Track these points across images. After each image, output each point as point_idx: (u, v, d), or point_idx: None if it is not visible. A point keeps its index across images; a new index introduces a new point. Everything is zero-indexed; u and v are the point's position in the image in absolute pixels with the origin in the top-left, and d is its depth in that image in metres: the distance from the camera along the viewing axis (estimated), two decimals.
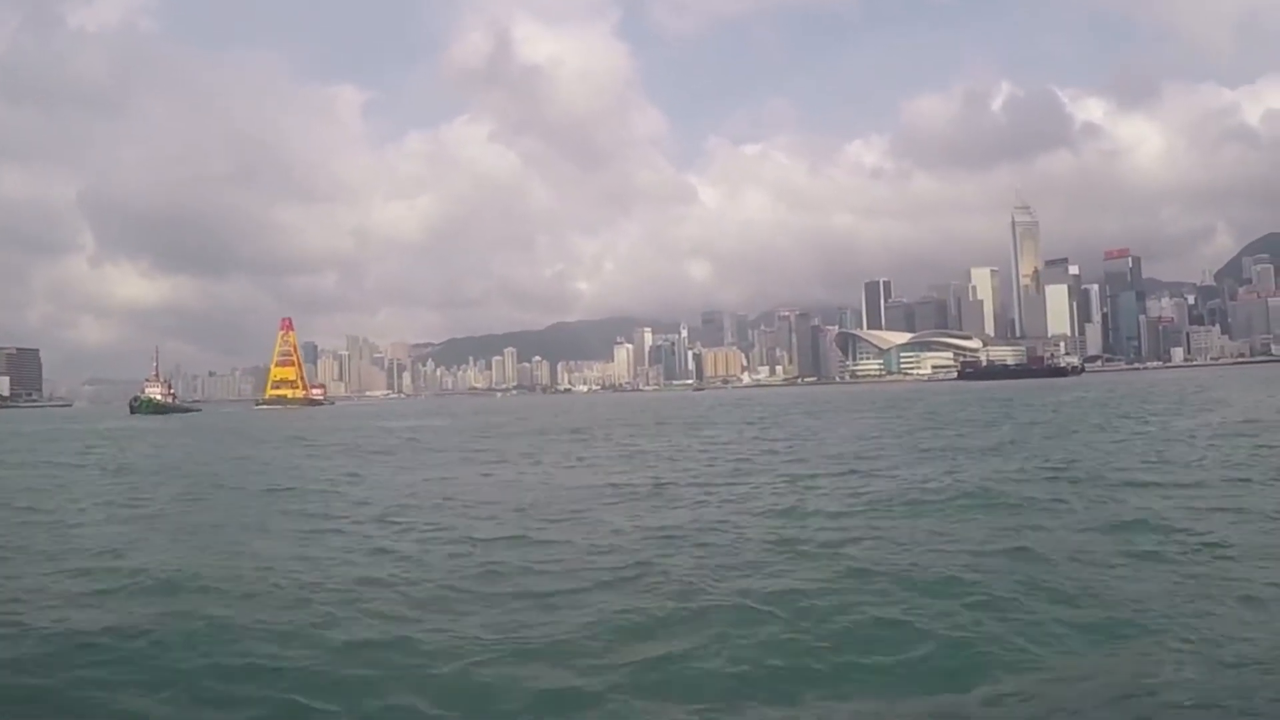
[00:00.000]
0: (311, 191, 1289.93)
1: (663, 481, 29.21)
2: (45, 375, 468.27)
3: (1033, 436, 44.54)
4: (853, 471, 30.22)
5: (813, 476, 28.93)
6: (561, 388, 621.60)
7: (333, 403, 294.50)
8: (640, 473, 32.89)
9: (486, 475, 34.43)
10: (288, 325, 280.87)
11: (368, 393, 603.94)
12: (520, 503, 24.96)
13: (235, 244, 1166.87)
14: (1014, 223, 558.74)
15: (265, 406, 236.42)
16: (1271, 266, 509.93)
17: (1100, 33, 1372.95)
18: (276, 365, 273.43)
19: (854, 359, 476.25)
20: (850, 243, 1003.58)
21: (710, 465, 35.37)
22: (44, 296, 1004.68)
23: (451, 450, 51.19)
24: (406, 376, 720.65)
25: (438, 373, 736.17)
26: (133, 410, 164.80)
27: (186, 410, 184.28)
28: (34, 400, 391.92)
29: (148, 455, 52.79)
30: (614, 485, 28.78)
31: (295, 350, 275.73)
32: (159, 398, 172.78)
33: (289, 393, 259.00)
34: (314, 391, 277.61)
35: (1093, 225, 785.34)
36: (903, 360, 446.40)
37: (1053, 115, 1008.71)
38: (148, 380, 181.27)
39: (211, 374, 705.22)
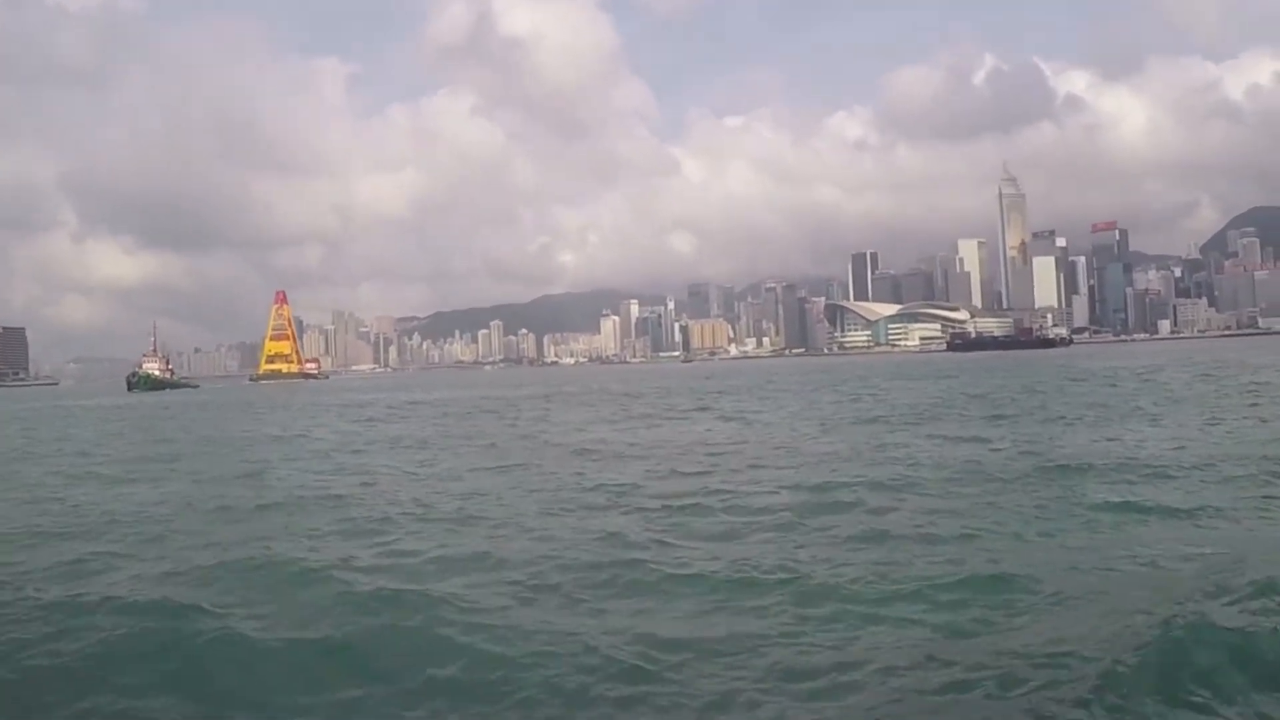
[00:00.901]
0: (295, 166, 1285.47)
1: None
2: (30, 354, 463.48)
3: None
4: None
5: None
6: (548, 360, 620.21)
7: (327, 377, 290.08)
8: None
9: None
10: (281, 299, 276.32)
11: (354, 367, 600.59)
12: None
13: (219, 219, 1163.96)
14: (1001, 195, 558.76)
15: (260, 381, 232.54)
16: (1257, 240, 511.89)
17: (1083, 5, 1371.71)
18: (271, 339, 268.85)
19: (842, 330, 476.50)
20: (835, 215, 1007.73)
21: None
22: (27, 276, 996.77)
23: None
24: (393, 350, 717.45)
25: (424, 346, 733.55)
26: (130, 387, 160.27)
27: (184, 386, 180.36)
28: (21, 379, 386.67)
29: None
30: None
31: (290, 324, 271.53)
32: (157, 373, 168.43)
33: (284, 367, 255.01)
34: (308, 365, 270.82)
35: (1078, 198, 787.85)
36: (891, 332, 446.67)
37: (1036, 88, 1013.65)
38: (145, 356, 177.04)
39: (197, 350, 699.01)
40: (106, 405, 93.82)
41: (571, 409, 58.14)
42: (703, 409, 51.01)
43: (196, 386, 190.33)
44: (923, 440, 28.32)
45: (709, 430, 36.67)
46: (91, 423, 62.17)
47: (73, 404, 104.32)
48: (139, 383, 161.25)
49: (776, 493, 19.29)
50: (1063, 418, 34.49)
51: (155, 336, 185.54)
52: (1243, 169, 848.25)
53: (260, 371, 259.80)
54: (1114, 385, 55.66)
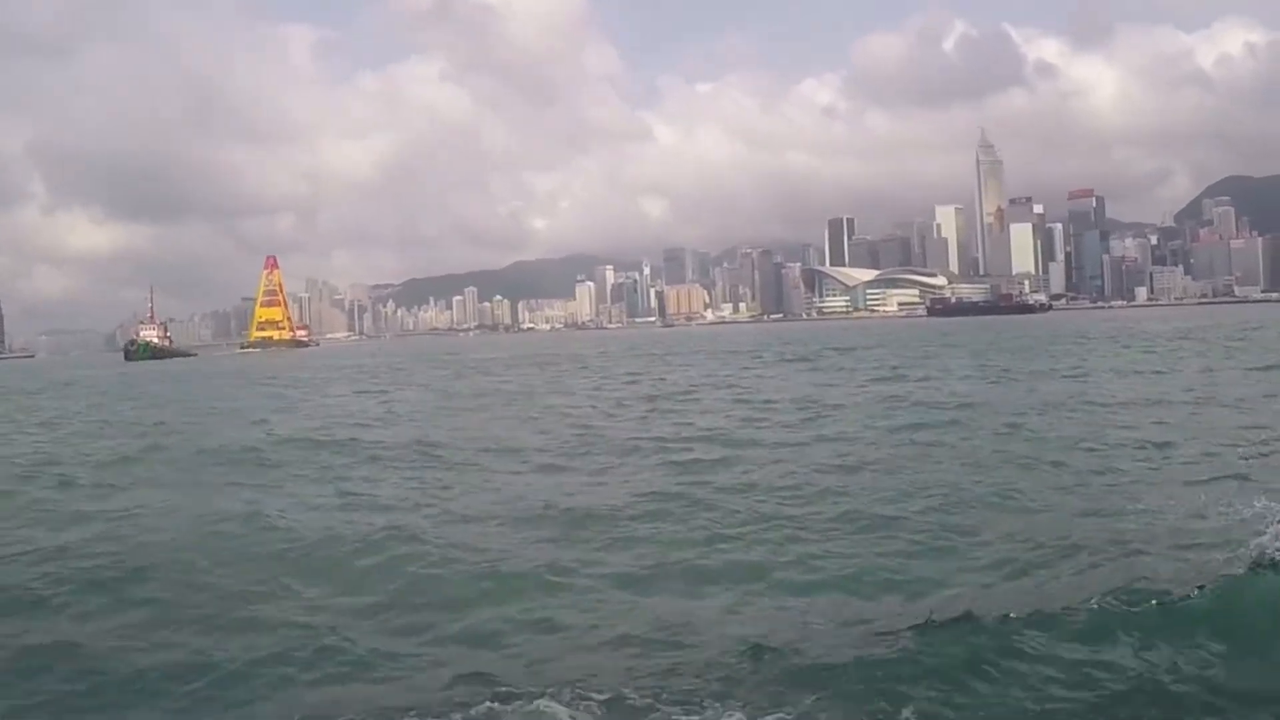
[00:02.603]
0: (265, 133, 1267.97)
1: None
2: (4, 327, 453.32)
3: None
4: None
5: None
6: (524, 327, 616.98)
7: (318, 344, 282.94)
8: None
9: None
10: (272, 264, 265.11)
11: (329, 335, 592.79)
12: None
13: (189, 188, 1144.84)
14: (978, 161, 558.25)
15: (250, 349, 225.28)
16: (1232, 209, 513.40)
17: None
18: (262, 305, 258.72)
19: (820, 296, 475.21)
20: (807, 180, 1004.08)
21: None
22: None
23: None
24: (367, 318, 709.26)
25: (398, 313, 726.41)
26: (128, 356, 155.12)
27: (182, 354, 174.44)
28: None
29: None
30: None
31: (281, 289, 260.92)
32: (156, 341, 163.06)
33: (275, 334, 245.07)
34: (299, 333, 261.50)
35: (1050, 166, 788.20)
36: (869, 297, 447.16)
37: (1007, 54, 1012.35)
38: (142, 323, 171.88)
39: (171, 320, 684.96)
40: (135, 373, 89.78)
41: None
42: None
43: (195, 355, 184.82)
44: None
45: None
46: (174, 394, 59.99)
47: (85, 374, 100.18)
48: (139, 351, 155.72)
49: None
50: None
51: (152, 301, 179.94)
52: (1214, 138, 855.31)
53: (251, 339, 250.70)
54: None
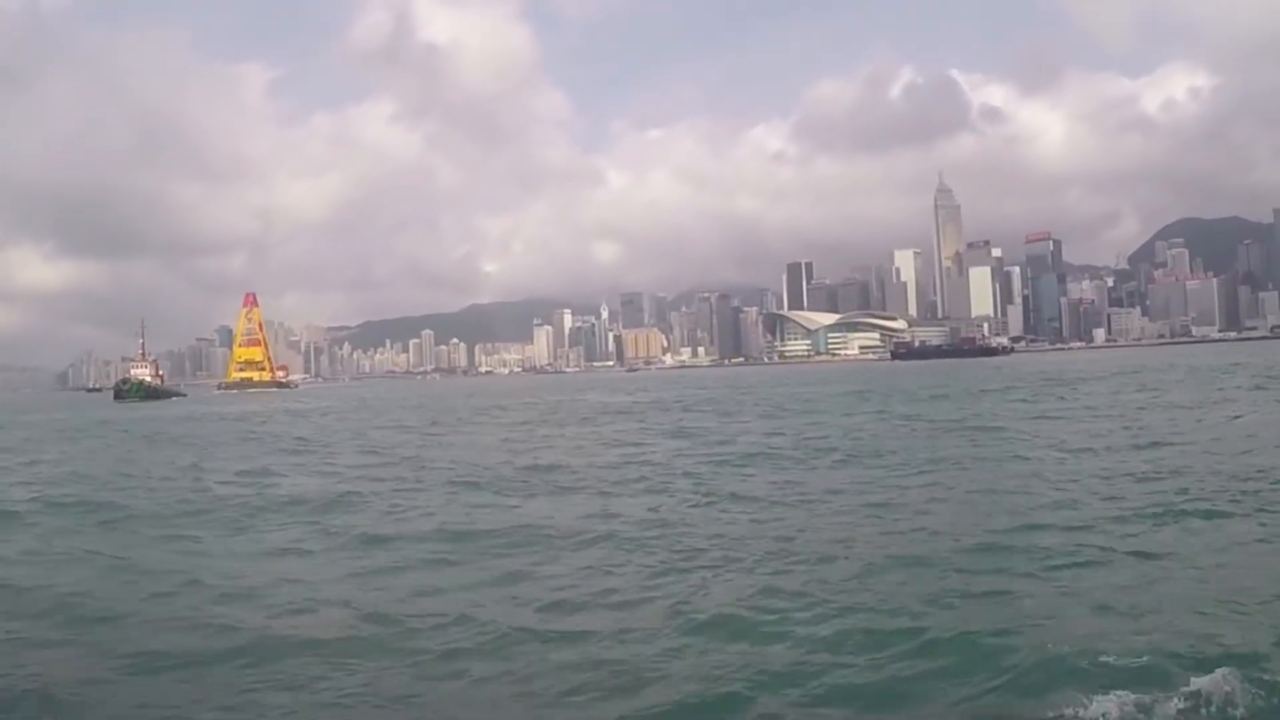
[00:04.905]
0: (218, 171, 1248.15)
1: None
2: None
3: None
4: None
5: None
6: (483, 370, 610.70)
7: (298, 386, 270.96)
8: None
9: None
10: (251, 301, 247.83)
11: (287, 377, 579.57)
12: None
13: (142, 226, 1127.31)
14: (936, 205, 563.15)
15: (229, 390, 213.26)
16: (1186, 251, 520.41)
17: (1002, 21, 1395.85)
18: (241, 345, 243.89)
19: (781, 339, 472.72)
20: (759, 225, 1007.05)
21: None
22: None
23: None
24: (324, 360, 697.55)
25: (354, 356, 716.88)
26: (119, 396, 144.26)
27: (176, 395, 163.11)
28: None
29: None
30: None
31: (261, 328, 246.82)
32: (149, 379, 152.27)
33: (255, 375, 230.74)
34: (279, 373, 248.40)
35: (1001, 209, 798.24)
36: (830, 341, 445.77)
37: (954, 100, 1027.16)
38: (133, 360, 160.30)
39: (124, 359, 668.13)
40: (144, 420, 79.19)
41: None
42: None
43: (185, 395, 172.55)
44: None
45: None
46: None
47: (103, 415, 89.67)
48: (130, 391, 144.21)
49: None
50: None
51: (144, 337, 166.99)
52: (1162, 180, 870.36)
53: (229, 379, 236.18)
54: None
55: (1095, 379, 74.44)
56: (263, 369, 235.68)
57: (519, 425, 51.92)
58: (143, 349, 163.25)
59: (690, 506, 19.65)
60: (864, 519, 17.31)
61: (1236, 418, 34.06)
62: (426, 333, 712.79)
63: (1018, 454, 26.23)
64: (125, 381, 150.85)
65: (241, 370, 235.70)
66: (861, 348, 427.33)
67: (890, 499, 19.43)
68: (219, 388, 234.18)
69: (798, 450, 29.99)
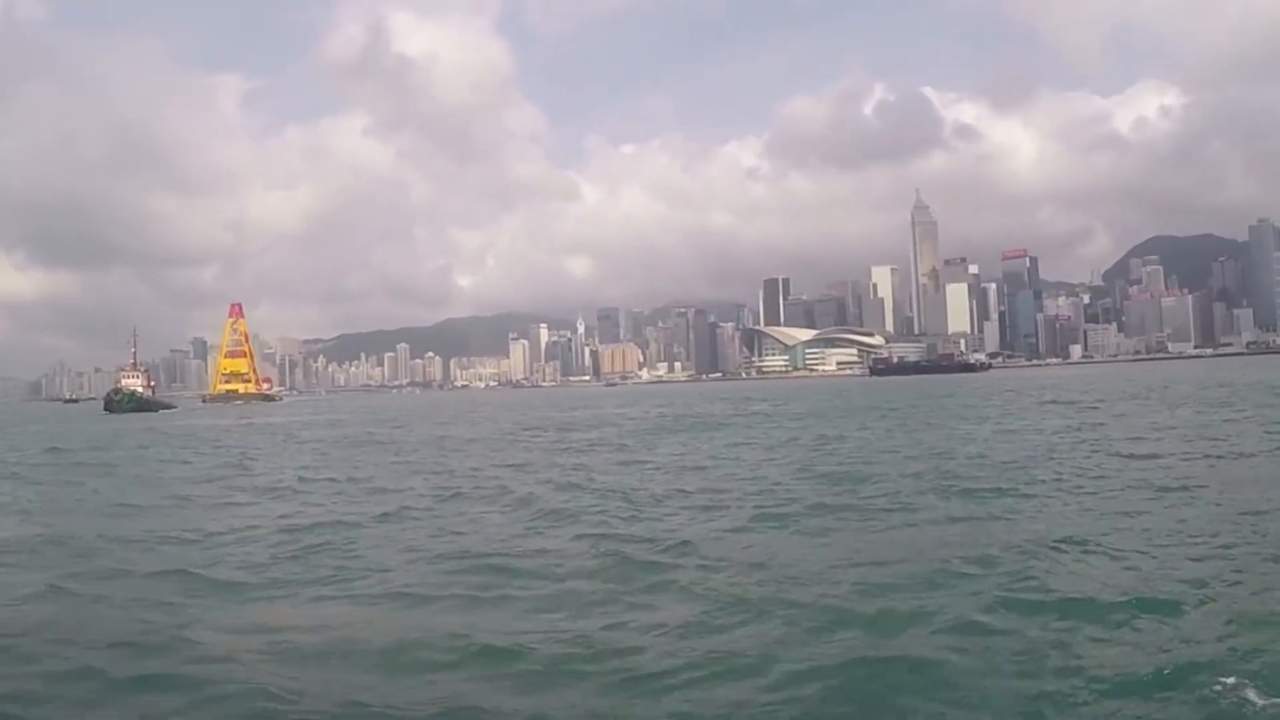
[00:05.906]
0: (192, 182, 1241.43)
1: None
2: None
3: None
4: None
5: None
6: (458, 384, 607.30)
7: (282, 398, 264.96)
8: None
9: None
10: (237, 312, 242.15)
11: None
12: None
13: (115, 236, 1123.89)
14: (913, 221, 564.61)
15: (215, 402, 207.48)
16: (1161, 268, 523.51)
17: (975, 40, 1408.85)
18: (226, 356, 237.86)
19: (760, 355, 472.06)
20: (733, 240, 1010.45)
21: None
22: None
23: None
24: (299, 373, 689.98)
25: (329, 369, 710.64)
26: (109, 408, 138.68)
27: (166, 406, 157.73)
28: None
29: None
30: None
31: (247, 339, 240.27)
32: (140, 390, 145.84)
33: (241, 387, 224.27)
34: (265, 385, 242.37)
35: (976, 226, 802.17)
36: (808, 357, 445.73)
37: (927, 117, 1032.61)
38: (124, 370, 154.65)
39: (98, 370, 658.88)
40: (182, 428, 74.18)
41: None
42: None
43: (175, 407, 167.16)
44: None
45: None
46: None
47: (112, 427, 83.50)
48: (121, 402, 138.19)
49: None
50: None
51: (135, 345, 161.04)
52: (1134, 198, 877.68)
53: (214, 391, 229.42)
54: None
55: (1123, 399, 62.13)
56: (248, 381, 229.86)
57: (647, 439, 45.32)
58: (135, 359, 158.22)
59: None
60: None
61: None
62: (401, 346, 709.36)
63: None
64: (117, 392, 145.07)
65: (227, 382, 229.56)
66: (839, 363, 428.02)
67: None
68: (204, 400, 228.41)
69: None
